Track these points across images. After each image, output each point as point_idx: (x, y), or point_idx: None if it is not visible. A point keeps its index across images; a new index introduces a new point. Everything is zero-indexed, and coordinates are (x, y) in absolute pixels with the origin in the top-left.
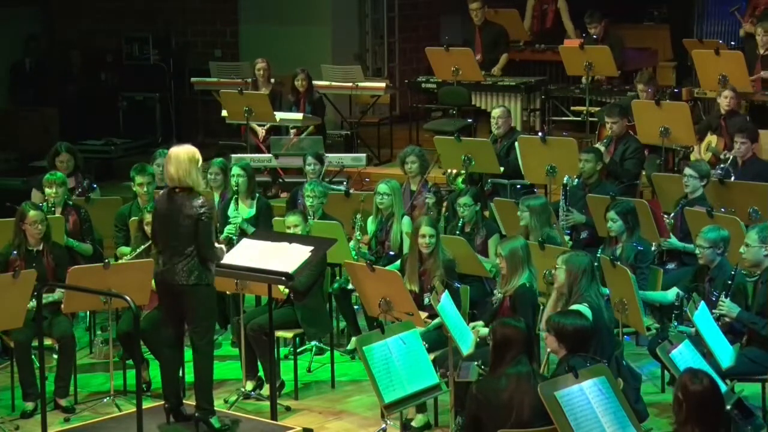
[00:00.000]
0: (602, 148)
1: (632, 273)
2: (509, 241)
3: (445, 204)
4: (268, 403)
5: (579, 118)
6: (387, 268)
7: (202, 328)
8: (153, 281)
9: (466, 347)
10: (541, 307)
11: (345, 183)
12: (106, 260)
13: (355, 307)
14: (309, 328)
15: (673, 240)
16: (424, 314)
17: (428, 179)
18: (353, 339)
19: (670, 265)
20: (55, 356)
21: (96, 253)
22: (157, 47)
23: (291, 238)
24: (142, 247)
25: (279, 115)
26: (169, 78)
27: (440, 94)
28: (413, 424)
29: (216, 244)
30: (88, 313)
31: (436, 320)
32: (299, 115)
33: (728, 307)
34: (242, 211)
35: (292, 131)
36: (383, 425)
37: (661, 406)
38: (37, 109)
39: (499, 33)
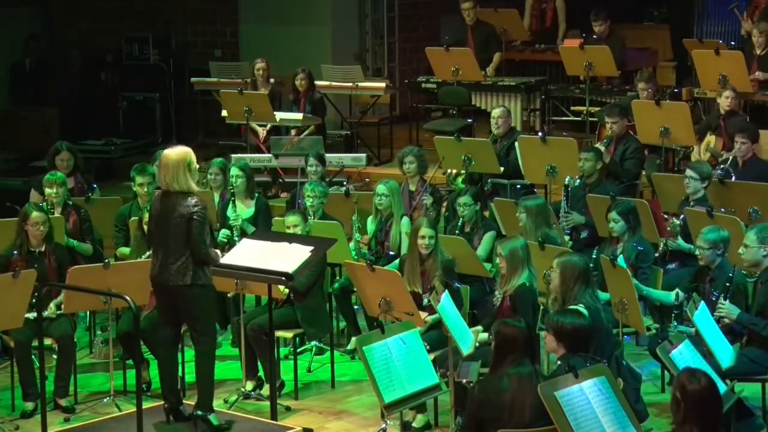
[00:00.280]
0: (602, 148)
1: (633, 273)
2: (509, 241)
3: (445, 204)
4: (268, 403)
5: (579, 118)
6: (386, 267)
7: (199, 328)
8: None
9: (466, 347)
10: (541, 307)
11: (345, 183)
12: (106, 260)
13: (355, 307)
14: (309, 328)
15: (681, 242)
16: (424, 314)
17: (426, 179)
18: (353, 339)
19: (671, 266)
20: (55, 356)
21: (96, 253)
22: (157, 47)
23: (291, 238)
24: (149, 252)
25: (279, 115)
26: (169, 78)
27: (440, 94)
28: (414, 424)
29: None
30: (88, 313)
31: (434, 316)
32: (299, 115)
33: (728, 309)
34: (241, 211)
35: (293, 131)
36: (383, 425)
37: (661, 406)
38: (37, 109)
39: (490, 32)
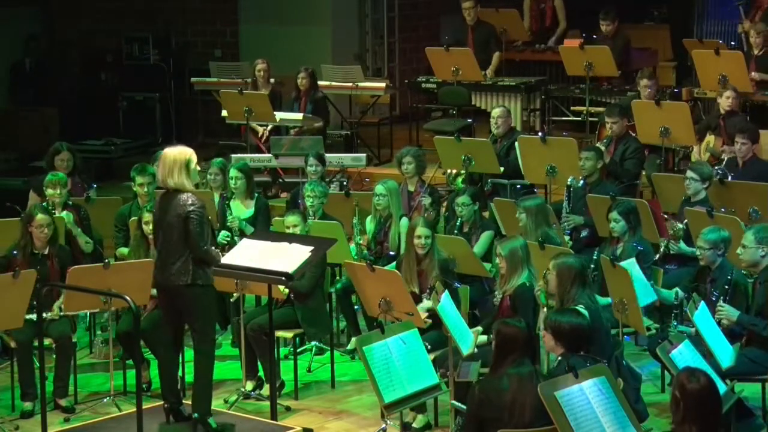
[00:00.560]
0: (602, 148)
1: None
2: (509, 240)
3: (444, 204)
4: (268, 403)
5: (579, 118)
6: (386, 267)
7: (199, 328)
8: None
9: (466, 347)
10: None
11: (345, 182)
12: (106, 260)
13: (355, 307)
14: (309, 328)
15: (683, 245)
16: (423, 314)
17: (425, 179)
18: (353, 339)
19: (671, 266)
20: (54, 356)
21: (96, 253)
22: (157, 47)
23: (291, 238)
24: (152, 253)
25: (279, 115)
26: (169, 78)
27: (440, 94)
28: (414, 425)
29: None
30: (88, 313)
31: (426, 303)
32: (299, 115)
33: (727, 311)
34: (241, 211)
35: (292, 131)
36: (383, 425)
37: (661, 406)
38: (37, 109)
39: (490, 32)
